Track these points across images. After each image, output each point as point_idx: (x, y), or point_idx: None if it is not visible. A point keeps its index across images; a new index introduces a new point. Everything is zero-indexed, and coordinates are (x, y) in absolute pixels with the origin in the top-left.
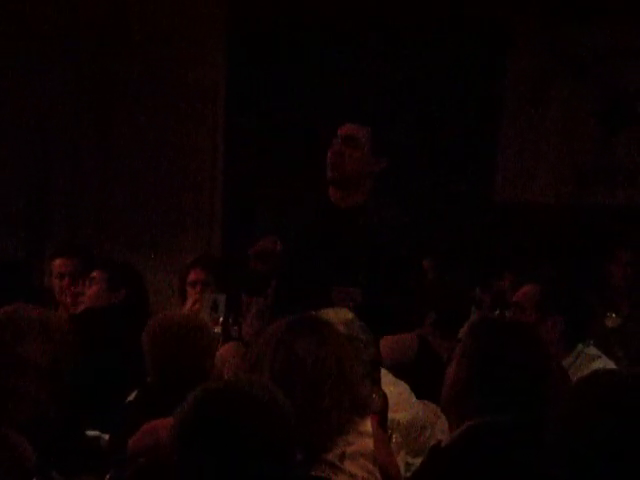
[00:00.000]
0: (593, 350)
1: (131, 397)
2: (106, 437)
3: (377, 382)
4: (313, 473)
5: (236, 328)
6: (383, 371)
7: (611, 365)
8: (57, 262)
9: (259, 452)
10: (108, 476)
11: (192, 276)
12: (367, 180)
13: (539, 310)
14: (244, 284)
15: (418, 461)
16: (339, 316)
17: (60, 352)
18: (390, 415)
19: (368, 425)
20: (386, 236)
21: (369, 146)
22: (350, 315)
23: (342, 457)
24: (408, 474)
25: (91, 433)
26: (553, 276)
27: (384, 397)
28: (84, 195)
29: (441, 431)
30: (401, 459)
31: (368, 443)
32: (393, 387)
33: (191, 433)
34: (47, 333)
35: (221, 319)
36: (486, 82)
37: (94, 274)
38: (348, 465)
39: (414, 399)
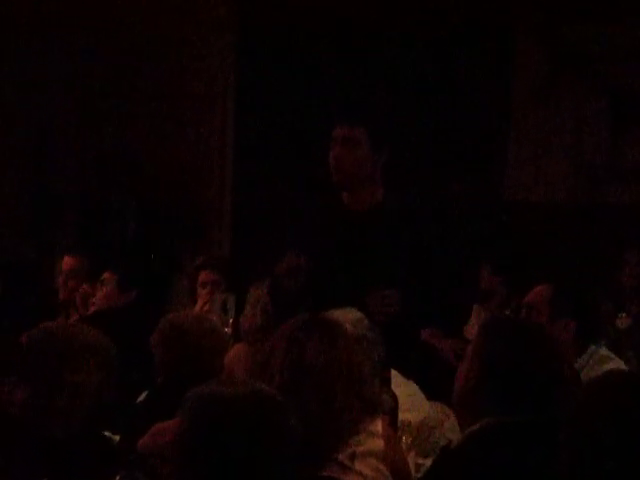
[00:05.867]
0: (605, 351)
1: (141, 398)
2: (117, 438)
3: (387, 382)
4: (323, 473)
5: None
6: (393, 372)
7: (622, 366)
8: (66, 260)
9: (264, 453)
10: (118, 477)
11: (202, 277)
12: (374, 177)
13: (551, 311)
14: (279, 304)
15: (428, 462)
16: (347, 316)
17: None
18: (400, 415)
19: (378, 425)
20: (413, 231)
21: (368, 144)
22: (358, 314)
23: (352, 457)
24: (418, 475)
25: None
26: (565, 276)
27: (394, 397)
28: None
29: (450, 430)
30: (411, 459)
31: (378, 443)
32: (403, 387)
33: (196, 435)
34: (105, 364)
35: (231, 320)
36: (496, 80)
37: (105, 275)
38: (358, 465)
39: (424, 399)
